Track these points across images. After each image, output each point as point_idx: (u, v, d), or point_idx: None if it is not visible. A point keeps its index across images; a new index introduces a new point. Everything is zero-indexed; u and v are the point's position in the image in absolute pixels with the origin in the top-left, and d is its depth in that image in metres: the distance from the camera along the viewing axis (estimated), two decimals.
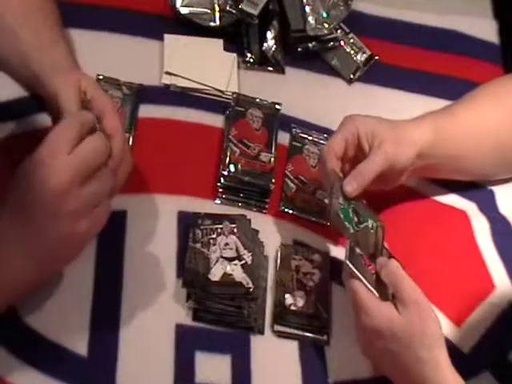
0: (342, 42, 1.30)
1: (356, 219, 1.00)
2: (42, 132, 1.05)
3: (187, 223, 1.05)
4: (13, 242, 0.87)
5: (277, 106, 1.19)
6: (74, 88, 0.96)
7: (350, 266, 0.96)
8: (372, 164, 1.02)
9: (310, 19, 1.26)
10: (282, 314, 1.02)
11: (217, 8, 1.26)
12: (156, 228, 1.05)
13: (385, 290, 0.95)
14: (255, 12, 1.23)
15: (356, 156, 1.05)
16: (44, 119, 1.06)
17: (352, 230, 1.00)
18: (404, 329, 0.92)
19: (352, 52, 1.30)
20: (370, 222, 0.98)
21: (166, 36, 1.22)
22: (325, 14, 1.28)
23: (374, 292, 0.94)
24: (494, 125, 1.12)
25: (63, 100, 0.95)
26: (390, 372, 0.97)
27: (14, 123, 1.08)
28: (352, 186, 1.01)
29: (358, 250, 0.98)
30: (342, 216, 1.01)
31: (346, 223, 1.01)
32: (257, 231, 1.06)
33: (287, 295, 1.03)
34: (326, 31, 1.27)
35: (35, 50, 1.00)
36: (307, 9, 1.27)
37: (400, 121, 1.08)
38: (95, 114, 0.93)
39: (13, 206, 0.87)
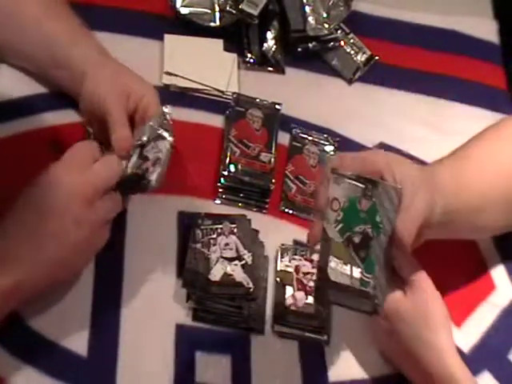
0: (342, 42, 1.30)
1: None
2: (44, 131, 1.06)
3: (187, 223, 1.05)
4: (25, 250, 0.88)
5: (277, 106, 1.19)
6: (119, 93, 1.00)
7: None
8: (415, 212, 0.89)
9: (310, 19, 1.26)
10: (282, 314, 1.02)
11: (217, 8, 1.26)
12: (156, 228, 1.05)
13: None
14: (255, 12, 1.23)
15: None
16: (46, 118, 1.07)
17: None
18: (409, 309, 0.93)
19: (352, 52, 1.30)
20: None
21: (166, 36, 1.22)
22: (325, 14, 1.28)
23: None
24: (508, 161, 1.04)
25: (109, 104, 0.99)
26: (396, 356, 0.98)
27: (16, 122, 1.08)
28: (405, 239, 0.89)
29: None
30: None
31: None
32: (257, 231, 1.06)
33: (287, 295, 1.03)
34: (326, 31, 1.27)
35: (63, 46, 1.03)
36: (307, 9, 1.27)
37: (421, 167, 0.98)
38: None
39: (26, 213, 0.89)
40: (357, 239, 0.88)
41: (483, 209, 1.01)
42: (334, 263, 0.88)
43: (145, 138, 0.99)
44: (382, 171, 0.90)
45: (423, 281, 0.95)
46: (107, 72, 1.03)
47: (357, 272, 0.87)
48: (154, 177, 0.98)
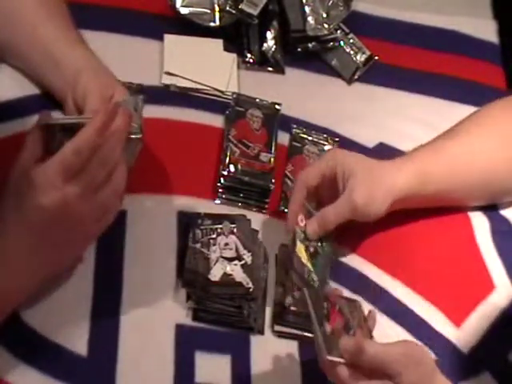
0: (342, 42, 1.30)
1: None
2: None
3: (187, 223, 1.05)
4: (18, 245, 0.88)
5: (277, 106, 1.19)
6: (100, 93, 0.99)
7: (332, 358, 0.88)
8: (338, 211, 1.03)
9: (310, 19, 1.26)
10: (281, 314, 1.02)
11: (217, 8, 1.26)
12: (156, 228, 1.05)
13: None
14: (255, 12, 1.23)
15: (333, 189, 1.05)
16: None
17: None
18: None
19: (352, 52, 1.30)
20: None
21: (166, 36, 1.22)
22: (324, 15, 1.28)
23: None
24: (483, 156, 1.11)
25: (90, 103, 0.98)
26: None
27: (15, 123, 1.08)
28: (314, 228, 1.03)
29: (327, 329, 0.91)
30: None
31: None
32: (257, 231, 1.06)
33: (287, 295, 1.03)
34: (325, 31, 1.27)
35: (60, 48, 1.03)
36: (307, 9, 1.27)
37: (381, 163, 1.07)
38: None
39: (15, 208, 0.88)
40: None
41: (450, 191, 1.11)
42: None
43: None
44: (337, 169, 1.04)
45: (405, 362, 0.88)
46: (97, 74, 1.03)
47: None
48: None
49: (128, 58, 1.18)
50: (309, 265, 1.00)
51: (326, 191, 1.05)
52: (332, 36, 1.29)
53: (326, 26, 1.27)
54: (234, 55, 1.24)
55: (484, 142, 1.11)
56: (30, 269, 0.89)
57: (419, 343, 0.90)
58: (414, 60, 1.33)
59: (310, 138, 1.19)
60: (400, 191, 1.05)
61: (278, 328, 1.02)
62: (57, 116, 1.00)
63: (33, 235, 0.88)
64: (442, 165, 1.09)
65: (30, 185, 0.86)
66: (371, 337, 0.94)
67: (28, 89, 1.10)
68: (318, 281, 0.99)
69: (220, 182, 1.11)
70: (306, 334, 1.02)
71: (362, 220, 1.05)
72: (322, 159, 1.07)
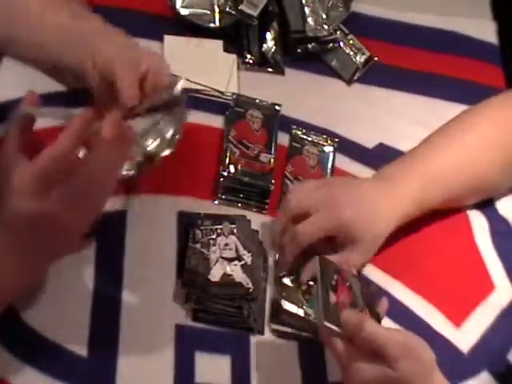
0: (342, 43, 1.30)
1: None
2: (45, 131, 1.06)
3: (187, 224, 1.05)
4: (2, 245, 0.86)
5: (276, 107, 1.19)
6: (129, 60, 0.97)
7: (329, 325, 0.90)
8: (340, 262, 1.00)
9: (310, 20, 1.27)
10: (278, 313, 1.02)
11: (217, 9, 1.26)
12: (156, 228, 1.05)
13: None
14: (255, 13, 1.23)
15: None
16: (46, 119, 1.06)
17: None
18: (401, 380, 0.88)
19: (351, 53, 1.30)
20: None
21: (166, 37, 1.23)
22: (324, 16, 1.28)
23: None
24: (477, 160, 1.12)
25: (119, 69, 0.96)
26: None
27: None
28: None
29: (332, 299, 0.93)
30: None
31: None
32: (256, 232, 1.06)
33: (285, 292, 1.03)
34: (325, 32, 1.27)
35: (73, 22, 1.02)
36: (307, 10, 1.27)
37: (379, 206, 1.05)
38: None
39: None
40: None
41: (448, 199, 1.11)
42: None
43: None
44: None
45: (403, 349, 0.88)
46: (118, 41, 1.01)
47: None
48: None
49: None
50: None
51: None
52: (332, 37, 1.29)
53: (325, 27, 1.27)
54: (234, 56, 1.24)
55: (479, 142, 1.12)
56: (17, 268, 0.86)
57: (422, 340, 0.90)
58: (413, 61, 1.33)
59: (309, 139, 1.19)
60: (398, 225, 1.07)
61: (274, 326, 1.02)
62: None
63: (14, 237, 0.85)
64: (438, 179, 1.09)
65: (8, 186, 0.84)
66: (379, 322, 0.95)
67: (29, 89, 1.09)
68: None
69: (220, 182, 1.11)
70: (304, 334, 1.02)
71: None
72: (321, 218, 1.03)
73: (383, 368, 0.87)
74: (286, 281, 1.04)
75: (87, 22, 1.03)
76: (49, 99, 1.08)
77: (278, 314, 1.02)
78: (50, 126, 0.99)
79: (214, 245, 1.02)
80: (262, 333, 1.01)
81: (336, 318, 0.90)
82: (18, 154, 0.86)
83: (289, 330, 1.02)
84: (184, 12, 1.24)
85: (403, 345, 0.88)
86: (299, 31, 1.27)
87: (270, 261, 1.07)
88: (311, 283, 1.03)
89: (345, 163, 1.18)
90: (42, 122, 0.95)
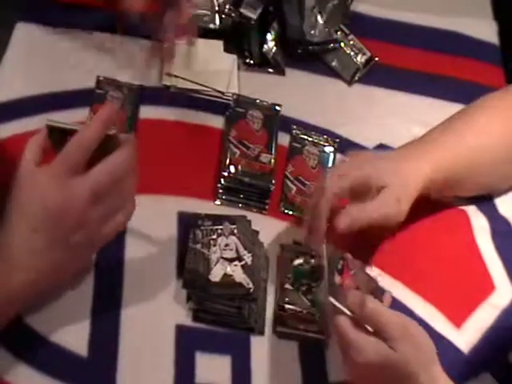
0: (342, 44, 1.30)
1: None
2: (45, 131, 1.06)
3: (187, 224, 1.05)
4: (20, 243, 0.88)
5: (277, 107, 1.19)
6: None
7: (333, 301, 0.93)
8: (369, 213, 1.01)
9: (308, 27, 1.26)
10: (282, 316, 1.02)
11: (217, 10, 1.26)
12: (156, 229, 1.05)
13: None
14: (254, 16, 1.24)
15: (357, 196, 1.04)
16: (44, 119, 1.07)
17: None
18: (400, 361, 0.89)
19: (352, 53, 1.30)
20: None
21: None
22: (323, 22, 1.28)
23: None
24: (492, 143, 1.12)
25: None
26: None
27: (16, 122, 1.08)
28: (344, 223, 0.99)
29: (337, 279, 0.96)
30: None
31: None
32: (257, 232, 1.06)
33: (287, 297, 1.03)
34: (322, 38, 1.27)
35: None
36: (306, 16, 1.27)
37: (405, 164, 1.06)
38: None
39: (18, 206, 0.88)
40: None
41: (459, 180, 1.11)
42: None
43: None
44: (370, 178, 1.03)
45: (401, 326, 0.90)
46: None
47: None
48: None
49: (128, 58, 1.19)
50: None
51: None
52: (332, 37, 1.29)
53: (323, 32, 1.27)
54: (235, 56, 1.24)
55: (489, 127, 1.12)
56: (32, 267, 0.88)
57: (424, 331, 0.90)
58: (414, 61, 1.33)
59: (310, 139, 1.19)
60: (418, 191, 1.05)
61: (279, 329, 1.02)
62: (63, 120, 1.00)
63: (34, 233, 0.87)
64: (455, 156, 1.09)
65: (32, 184, 0.87)
66: None
67: (29, 89, 1.10)
68: None
69: (220, 182, 1.11)
70: (307, 334, 1.02)
71: (383, 225, 1.04)
72: (350, 169, 1.04)
73: (383, 347, 0.88)
74: (286, 285, 1.04)
75: None
76: (48, 99, 1.08)
77: (283, 318, 1.02)
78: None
79: (215, 245, 1.02)
80: (262, 333, 1.01)
81: (340, 296, 0.92)
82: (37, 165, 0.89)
83: (293, 331, 1.02)
84: None
85: (404, 327, 0.89)
86: (297, 39, 1.26)
87: (271, 261, 1.07)
88: (311, 283, 1.03)
89: None
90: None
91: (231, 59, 1.24)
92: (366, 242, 1.07)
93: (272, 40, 1.26)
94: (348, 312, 0.92)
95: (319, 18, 1.28)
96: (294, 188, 1.14)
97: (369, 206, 1.01)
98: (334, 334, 0.95)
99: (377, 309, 0.91)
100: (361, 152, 1.13)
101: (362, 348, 0.89)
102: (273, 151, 1.14)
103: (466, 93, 1.29)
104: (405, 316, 0.92)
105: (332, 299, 0.93)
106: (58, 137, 0.89)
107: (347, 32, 1.31)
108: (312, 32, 1.26)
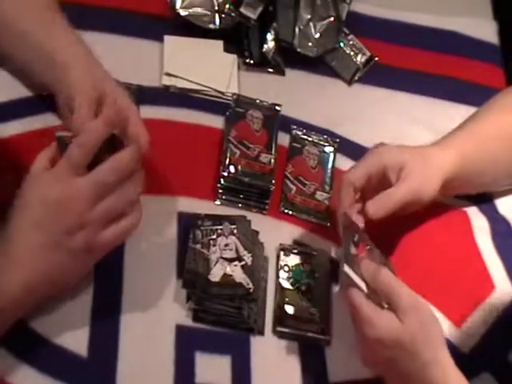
0: (342, 44, 1.30)
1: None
2: (42, 132, 1.06)
3: (187, 224, 1.05)
4: (22, 240, 0.88)
5: (277, 107, 1.19)
6: (89, 92, 0.99)
7: (348, 272, 0.93)
8: (397, 194, 1.02)
9: (300, 40, 1.26)
10: (282, 316, 1.02)
11: (217, 10, 1.26)
12: (156, 229, 1.05)
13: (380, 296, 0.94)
14: (254, 16, 1.24)
15: (380, 184, 1.04)
16: (45, 119, 1.07)
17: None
18: (407, 336, 0.90)
19: (352, 53, 1.30)
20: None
21: (166, 37, 1.22)
22: (316, 35, 1.28)
23: (372, 298, 0.92)
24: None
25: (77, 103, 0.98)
26: (396, 380, 0.95)
27: (16, 122, 1.08)
28: (374, 208, 1.01)
29: (352, 251, 0.95)
30: None
31: None
32: (257, 232, 1.06)
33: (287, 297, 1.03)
34: (312, 54, 1.27)
35: (51, 44, 1.03)
36: (298, 29, 1.26)
37: (426, 148, 1.08)
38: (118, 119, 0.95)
39: (22, 205, 0.89)
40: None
41: (482, 173, 1.12)
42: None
43: None
44: (386, 166, 1.03)
45: (414, 301, 0.92)
46: (85, 65, 1.03)
47: None
48: None
49: (128, 59, 1.19)
50: None
51: (371, 191, 1.04)
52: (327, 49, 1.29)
53: (314, 49, 1.27)
54: (234, 56, 1.24)
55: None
56: (30, 265, 0.88)
57: (434, 316, 0.93)
58: (414, 61, 1.33)
59: (310, 139, 1.19)
60: (447, 173, 1.06)
61: (279, 329, 1.02)
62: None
63: (34, 229, 0.88)
64: (478, 145, 1.09)
65: (36, 182, 0.89)
66: None
67: (22, 91, 1.10)
68: None
69: (220, 182, 1.11)
70: (307, 334, 1.02)
71: (415, 205, 1.05)
72: (367, 160, 1.05)
73: (396, 325, 0.89)
74: (286, 285, 1.04)
75: (70, 49, 1.04)
76: (48, 99, 1.08)
77: (283, 318, 1.02)
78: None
79: (215, 245, 1.02)
80: (262, 333, 1.01)
81: (355, 266, 0.93)
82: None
83: (293, 331, 1.02)
84: (184, 13, 1.24)
85: (415, 301, 0.91)
86: (288, 42, 1.26)
87: (271, 261, 1.07)
88: (311, 283, 1.04)
89: (345, 163, 1.18)
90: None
91: (231, 59, 1.24)
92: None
93: (272, 40, 1.26)
94: (362, 283, 0.92)
95: (313, 31, 1.27)
96: (294, 188, 1.14)
97: (392, 192, 1.02)
98: (348, 306, 0.94)
99: (390, 278, 0.92)
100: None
101: (374, 323, 0.90)
102: (273, 151, 1.14)
103: (465, 93, 1.30)
104: (419, 296, 0.93)
105: (347, 268, 0.93)
106: (67, 149, 0.89)
107: (347, 32, 1.31)
108: (301, 46, 1.26)
